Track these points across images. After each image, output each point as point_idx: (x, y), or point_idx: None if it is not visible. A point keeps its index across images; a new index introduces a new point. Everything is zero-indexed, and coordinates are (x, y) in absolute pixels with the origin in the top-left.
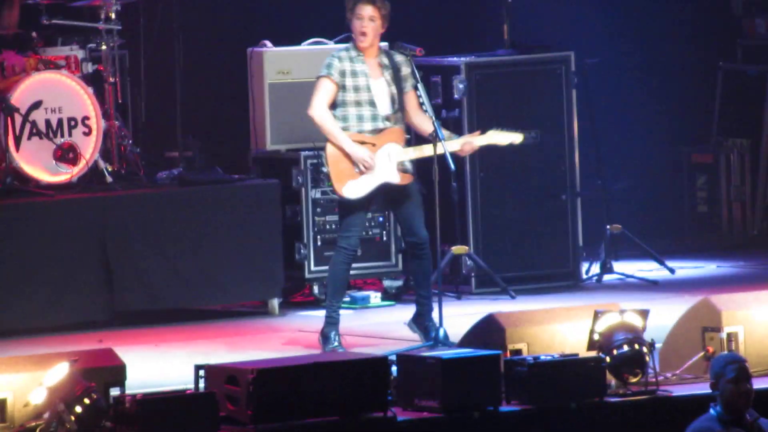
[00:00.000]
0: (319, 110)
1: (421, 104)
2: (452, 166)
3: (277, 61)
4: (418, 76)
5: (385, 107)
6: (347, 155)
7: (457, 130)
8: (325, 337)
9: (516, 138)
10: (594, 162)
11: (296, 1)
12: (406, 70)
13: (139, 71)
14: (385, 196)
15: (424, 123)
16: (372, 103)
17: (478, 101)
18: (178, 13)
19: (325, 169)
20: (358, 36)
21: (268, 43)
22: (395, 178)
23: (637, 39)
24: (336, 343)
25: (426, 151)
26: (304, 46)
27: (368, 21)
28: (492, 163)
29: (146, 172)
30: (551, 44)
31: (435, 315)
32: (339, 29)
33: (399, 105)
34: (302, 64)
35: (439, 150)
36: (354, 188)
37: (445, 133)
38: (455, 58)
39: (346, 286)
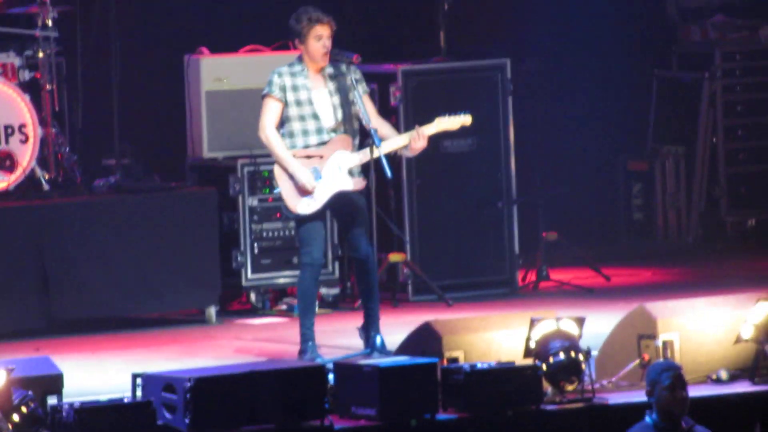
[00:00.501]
0: (266, 131)
1: (361, 118)
2: (389, 173)
3: (214, 69)
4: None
5: (328, 118)
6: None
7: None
8: (302, 353)
9: (466, 120)
10: (530, 169)
11: (233, 9)
12: (353, 77)
13: (76, 78)
14: (337, 207)
15: (383, 127)
16: (315, 116)
17: (414, 108)
18: (115, 20)
19: (277, 190)
20: (320, 57)
21: (204, 50)
22: (348, 185)
23: (574, 46)
24: (313, 354)
25: (366, 155)
26: (241, 54)
27: (326, 40)
28: (429, 170)
29: (83, 179)
30: (488, 51)
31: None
32: (276, 36)
33: (344, 114)
34: (239, 71)
35: (377, 155)
36: (308, 203)
37: (388, 132)
38: (392, 66)
39: (314, 302)
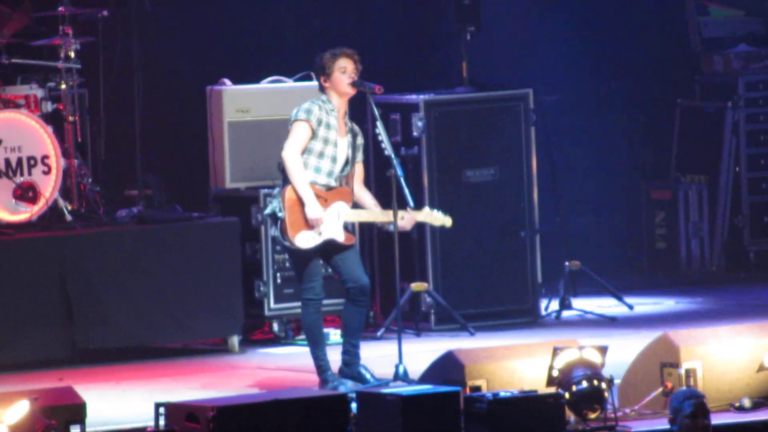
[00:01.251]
0: (292, 154)
1: (383, 149)
2: (411, 202)
3: (237, 100)
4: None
5: (340, 166)
6: (303, 204)
7: (416, 168)
8: (324, 383)
9: (447, 221)
10: (553, 198)
11: (256, 40)
12: (360, 141)
13: (99, 110)
14: (324, 250)
15: (363, 197)
16: (334, 159)
17: (437, 139)
18: (138, 51)
19: (281, 215)
20: (346, 89)
21: (227, 81)
22: (340, 237)
23: (597, 75)
24: (336, 382)
25: (376, 216)
26: (264, 85)
27: (351, 72)
28: (451, 200)
29: (106, 210)
30: (510, 82)
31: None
32: (298, 67)
33: (350, 169)
34: (261, 102)
35: (388, 215)
36: (305, 238)
37: (369, 202)
38: (414, 96)
39: (322, 333)
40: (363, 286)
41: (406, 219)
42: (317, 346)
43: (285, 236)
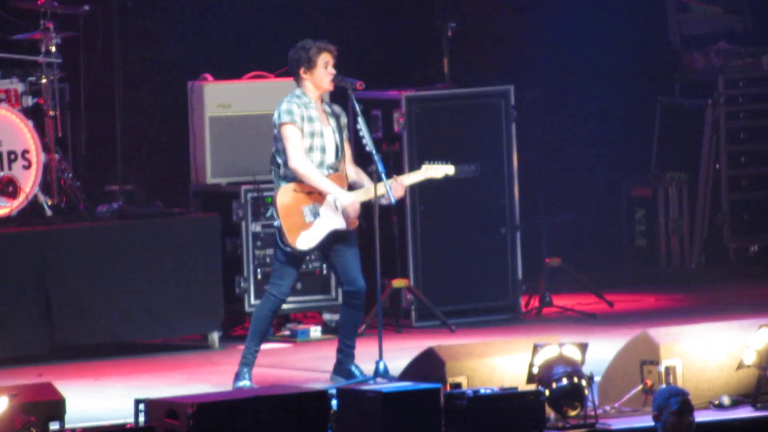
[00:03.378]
0: (299, 161)
1: (365, 145)
2: (393, 199)
3: (218, 95)
4: (365, 126)
5: (331, 155)
6: (297, 207)
7: (398, 164)
8: (236, 375)
9: (449, 170)
10: (534, 195)
11: (237, 35)
12: (343, 121)
13: (80, 104)
14: (329, 243)
15: (359, 175)
16: (323, 150)
17: (418, 135)
18: (118, 46)
19: (276, 223)
20: (328, 84)
21: (208, 76)
22: (342, 224)
23: (577, 72)
24: (246, 380)
25: (370, 194)
26: (245, 80)
27: (331, 68)
28: (432, 196)
29: (86, 205)
30: (491, 78)
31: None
32: (280, 63)
33: (342, 153)
34: (243, 97)
35: (380, 188)
36: (306, 239)
37: (364, 180)
38: (396, 92)
39: (267, 331)
40: (358, 288)
41: (399, 189)
42: (253, 339)
43: (286, 243)
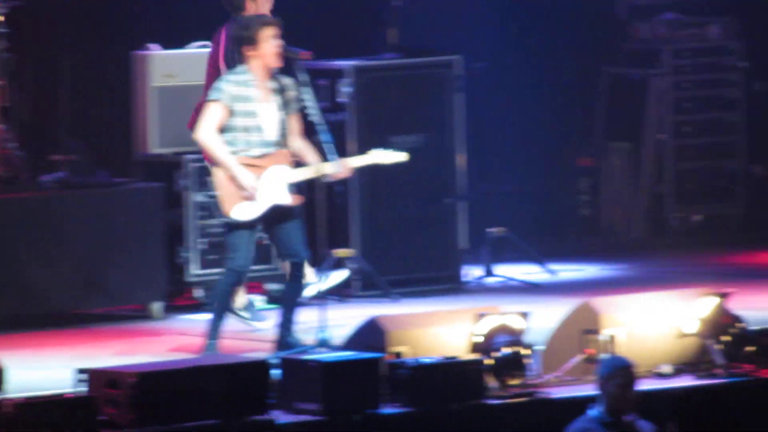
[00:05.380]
0: (205, 134)
1: (310, 115)
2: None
3: (162, 65)
4: (311, 95)
5: (273, 132)
6: (232, 177)
7: (343, 134)
8: (202, 348)
9: (400, 157)
10: (478, 165)
11: (182, 5)
12: (291, 94)
13: (24, 74)
14: (271, 217)
15: (302, 149)
16: (260, 129)
17: (364, 105)
18: (64, 16)
19: (214, 194)
20: (274, 59)
21: (153, 46)
22: (285, 200)
23: (524, 43)
24: (212, 351)
25: (316, 171)
26: (190, 50)
27: (277, 40)
28: (377, 166)
29: (30, 175)
30: (438, 48)
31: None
32: None
33: (286, 129)
34: (188, 67)
35: (326, 167)
36: (244, 210)
37: (311, 156)
38: (341, 62)
39: (226, 306)
40: (301, 260)
41: (345, 172)
42: (215, 315)
43: (223, 213)
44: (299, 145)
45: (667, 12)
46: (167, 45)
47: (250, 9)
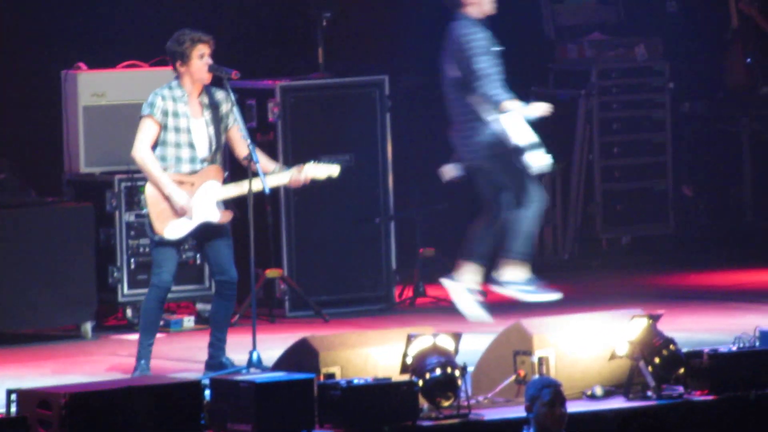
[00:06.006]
0: (141, 152)
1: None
2: (267, 188)
3: (92, 84)
4: (239, 115)
5: (203, 149)
6: (167, 196)
7: (272, 154)
8: (134, 370)
9: (334, 170)
10: (409, 185)
11: (111, 24)
12: (226, 107)
13: None
14: (201, 234)
15: (252, 157)
16: (191, 145)
17: (293, 124)
18: None
19: (144, 210)
20: (204, 75)
21: (82, 65)
22: (215, 217)
23: None
24: (144, 372)
25: (245, 186)
26: (119, 69)
27: (208, 58)
28: (306, 186)
29: None
30: (366, 68)
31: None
32: (154, 52)
33: (217, 145)
34: (117, 86)
35: (256, 184)
36: (175, 228)
37: (271, 165)
38: (270, 82)
39: (157, 323)
40: (231, 279)
41: (293, 182)
42: (145, 333)
43: (154, 232)
44: (250, 154)
45: (594, 32)
46: (96, 64)
47: (467, 3)
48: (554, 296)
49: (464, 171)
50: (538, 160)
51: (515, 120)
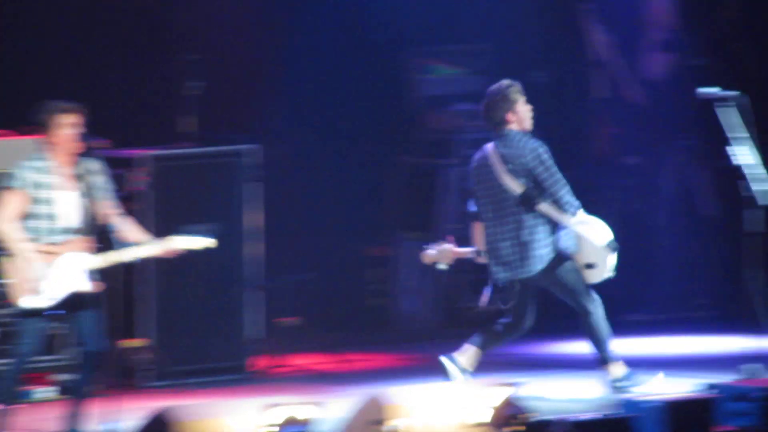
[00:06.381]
0: (1, 225)
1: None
2: (137, 258)
3: None
4: (106, 179)
5: (73, 219)
6: (27, 265)
7: (142, 223)
8: None
9: (209, 242)
10: (275, 253)
11: None
12: (99, 179)
13: None
14: (67, 304)
15: (124, 227)
16: (50, 217)
17: (161, 194)
18: None
19: (2, 281)
20: (72, 146)
21: None
22: (80, 287)
23: (318, 131)
24: None
25: (114, 257)
26: None
27: (75, 128)
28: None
29: None
30: (237, 137)
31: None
32: (22, 120)
33: (90, 215)
34: None
35: (125, 254)
36: (33, 299)
37: (142, 236)
38: (139, 151)
39: (15, 391)
40: (91, 352)
41: (164, 252)
42: (3, 401)
43: (11, 302)
44: (121, 225)
45: (463, 102)
46: None
47: (512, 121)
48: (657, 377)
49: (450, 268)
50: (612, 264)
51: (591, 226)
